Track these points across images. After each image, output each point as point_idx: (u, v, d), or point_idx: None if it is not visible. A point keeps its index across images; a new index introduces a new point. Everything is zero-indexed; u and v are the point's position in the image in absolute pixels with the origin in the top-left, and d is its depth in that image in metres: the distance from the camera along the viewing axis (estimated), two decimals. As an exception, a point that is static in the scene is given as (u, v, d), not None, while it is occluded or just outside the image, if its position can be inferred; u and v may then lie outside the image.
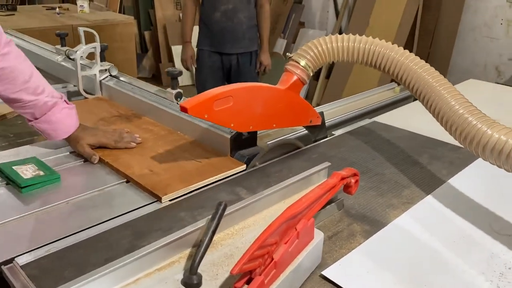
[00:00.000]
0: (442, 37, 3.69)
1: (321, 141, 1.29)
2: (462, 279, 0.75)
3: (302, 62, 1.09)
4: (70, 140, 1.14)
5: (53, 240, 0.81)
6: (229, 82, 2.83)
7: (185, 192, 0.97)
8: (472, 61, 3.62)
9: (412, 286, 0.73)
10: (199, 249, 0.64)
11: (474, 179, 1.08)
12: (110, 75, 1.59)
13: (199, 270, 0.65)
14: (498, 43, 3.51)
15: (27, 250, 0.77)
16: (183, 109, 0.93)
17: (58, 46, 1.85)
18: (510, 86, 2.07)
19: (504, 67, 3.51)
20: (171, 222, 0.87)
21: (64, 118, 1.11)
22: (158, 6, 4.73)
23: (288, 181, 0.88)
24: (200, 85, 2.88)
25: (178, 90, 1.26)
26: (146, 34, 5.06)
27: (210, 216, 0.73)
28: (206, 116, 0.96)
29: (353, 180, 0.86)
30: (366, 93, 1.89)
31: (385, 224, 0.90)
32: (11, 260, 0.75)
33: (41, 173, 1.01)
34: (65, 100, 1.14)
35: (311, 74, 1.12)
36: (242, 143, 1.12)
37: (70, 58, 1.73)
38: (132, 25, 3.96)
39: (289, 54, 1.13)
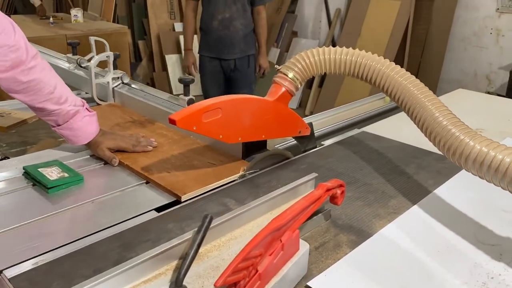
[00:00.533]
0: (433, 47, 3.74)
1: (310, 151, 1.30)
2: (445, 289, 0.76)
3: (290, 74, 1.11)
4: (91, 145, 1.20)
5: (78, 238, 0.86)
6: (229, 85, 3.06)
7: (202, 192, 1.03)
8: (462, 71, 3.67)
9: (396, 296, 0.74)
10: (184, 261, 0.65)
11: (459, 189, 1.10)
12: (123, 83, 1.65)
13: (184, 283, 0.65)
14: (487, 52, 3.56)
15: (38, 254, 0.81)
16: (172, 122, 0.94)
17: (70, 55, 1.93)
18: (500, 95, 2.11)
19: (494, 75, 3.55)
20: (160, 233, 0.87)
21: (85, 126, 1.17)
22: (152, 16, 4.75)
23: (275, 192, 0.89)
24: (204, 89, 3.07)
25: (190, 96, 1.33)
26: (140, 43, 5.09)
27: (196, 229, 0.74)
28: (194, 128, 0.97)
29: (339, 191, 0.87)
30: (356, 103, 1.91)
31: (371, 234, 0.91)
32: (-1, 272, 0.76)
33: (66, 174, 1.07)
34: (86, 108, 1.20)
35: (299, 86, 1.13)
36: (254, 146, 1.17)
37: (82, 66, 1.81)
38: (126, 34, 3.98)
39: (277, 66, 1.15)
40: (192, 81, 1.31)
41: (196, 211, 0.96)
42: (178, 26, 4.85)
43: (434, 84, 3.66)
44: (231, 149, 1.20)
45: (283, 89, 1.11)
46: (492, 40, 3.52)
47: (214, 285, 0.57)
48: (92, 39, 1.64)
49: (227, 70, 2.97)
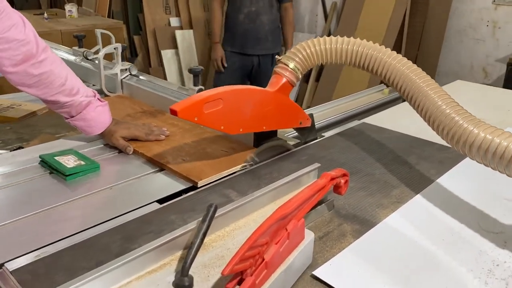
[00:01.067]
0: (430, 39, 3.74)
1: (311, 142, 1.29)
2: (452, 277, 0.76)
3: (291, 65, 1.10)
4: (105, 134, 1.21)
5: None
6: (251, 82, 2.98)
7: (218, 178, 1.05)
8: (459, 63, 3.67)
9: (403, 284, 0.73)
10: (190, 251, 0.64)
11: (462, 178, 1.09)
12: (131, 74, 1.67)
13: (190, 272, 0.65)
14: (484, 44, 3.56)
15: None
16: (173, 112, 0.93)
17: (76, 48, 1.97)
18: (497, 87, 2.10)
19: (491, 68, 3.56)
20: (162, 225, 0.86)
21: (98, 116, 1.19)
22: (147, 11, 4.72)
23: (278, 183, 0.88)
24: (217, 85, 3.03)
25: (200, 86, 1.35)
26: (136, 38, 5.05)
27: (200, 219, 0.73)
28: (196, 119, 0.96)
29: (342, 181, 0.87)
30: (355, 95, 1.91)
31: (375, 223, 0.91)
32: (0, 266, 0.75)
33: (82, 162, 1.09)
34: (98, 98, 1.21)
35: (300, 76, 1.13)
36: (265, 134, 1.18)
37: (88, 59, 1.84)
38: (121, 29, 3.95)
39: (278, 57, 1.14)
40: (201, 71, 1.33)
41: (198, 203, 0.95)
42: (174, 21, 4.82)
43: (431, 77, 3.64)
44: (242, 138, 1.21)
45: (284, 80, 1.10)
46: (489, 33, 3.51)
47: (222, 273, 0.57)
48: (98, 31, 1.67)
49: (248, 67, 2.93)
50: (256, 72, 2.96)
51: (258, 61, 2.92)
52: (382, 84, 2.10)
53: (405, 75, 1.01)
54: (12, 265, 0.75)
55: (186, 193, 1.00)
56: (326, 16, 4.44)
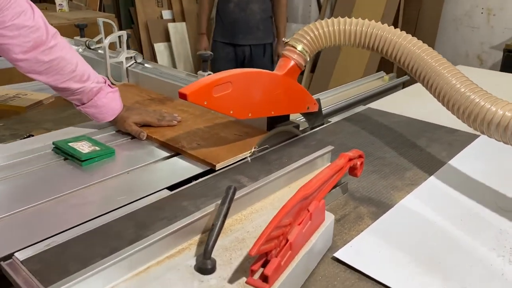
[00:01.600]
0: (425, 28, 3.73)
1: (318, 128, 1.27)
2: (475, 256, 0.74)
3: (299, 47, 1.08)
4: (117, 121, 1.19)
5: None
6: None
7: (235, 161, 1.04)
8: (454, 51, 3.67)
9: (427, 264, 0.72)
10: (211, 233, 0.62)
11: (474, 159, 1.08)
12: (136, 62, 1.65)
13: (212, 256, 0.62)
14: (479, 32, 3.56)
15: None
16: (182, 96, 0.90)
17: (77, 37, 1.93)
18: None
19: (486, 55, 3.56)
20: (175, 211, 0.84)
21: (109, 102, 1.17)
22: (138, 4, 4.65)
23: (293, 165, 0.86)
24: None
25: (209, 72, 1.32)
26: (128, 32, 4.99)
27: (219, 201, 0.71)
28: (205, 103, 0.93)
29: (358, 162, 0.85)
30: (355, 83, 1.89)
31: (391, 205, 0.89)
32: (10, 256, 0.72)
33: (97, 148, 1.07)
34: (109, 84, 1.19)
35: (308, 59, 1.10)
36: (277, 118, 1.17)
37: (91, 48, 1.82)
38: (110, 24, 3.88)
39: (285, 39, 1.11)
40: (211, 56, 1.31)
41: (209, 189, 0.92)
42: (166, 14, 4.76)
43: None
44: (255, 122, 1.19)
45: (292, 63, 1.08)
46: (483, 20, 3.51)
47: (249, 254, 0.54)
48: (100, 20, 1.65)
49: (240, 58, 2.86)
50: (248, 63, 2.89)
51: (250, 51, 2.85)
52: (382, 71, 2.09)
53: (416, 55, 0.99)
54: (22, 255, 0.72)
55: (196, 180, 0.97)
56: (320, 6, 4.41)
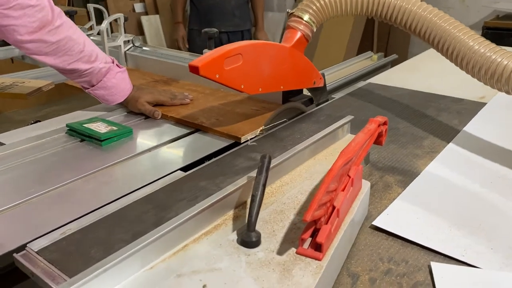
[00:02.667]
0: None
1: (323, 104, 1.24)
2: (513, 216, 0.72)
3: (305, 17, 1.03)
4: (128, 101, 1.15)
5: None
6: None
7: (258, 134, 1.01)
8: (432, 32, 3.70)
9: (468, 226, 0.69)
10: (252, 204, 0.57)
11: (488, 125, 1.07)
12: (134, 45, 1.60)
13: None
14: (454, 12, 3.60)
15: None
16: (193, 69, 0.85)
17: None
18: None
19: (463, 35, 3.60)
20: (194, 191, 0.79)
21: (119, 83, 1.12)
22: (109, -3, 4.51)
23: (316, 136, 0.83)
24: None
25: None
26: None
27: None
28: (217, 76, 0.88)
29: (383, 129, 0.82)
30: (345, 63, 1.87)
31: (416, 173, 0.86)
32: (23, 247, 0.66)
33: (114, 128, 1.03)
34: (117, 64, 1.14)
35: (315, 30, 1.06)
36: (291, 92, 1.14)
37: None
38: (83, 17, 3.74)
39: (289, 10, 1.07)
40: (217, 33, 1.27)
41: (226, 167, 0.87)
42: (138, 7, 4.63)
43: (405, 48, 3.68)
44: (268, 96, 1.16)
45: (299, 34, 1.03)
46: (458, 0, 3.56)
47: (303, 220, 0.50)
48: (91, 6, 1.62)
49: (217, 45, 2.81)
50: None
51: (227, 38, 2.80)
52: (370, 51, 2.07)
53: (428, 19, 0.96)
54: (36, 245, 0.65)
55: (209, 160, 0.92)
56: (295, -6, 4.38)
